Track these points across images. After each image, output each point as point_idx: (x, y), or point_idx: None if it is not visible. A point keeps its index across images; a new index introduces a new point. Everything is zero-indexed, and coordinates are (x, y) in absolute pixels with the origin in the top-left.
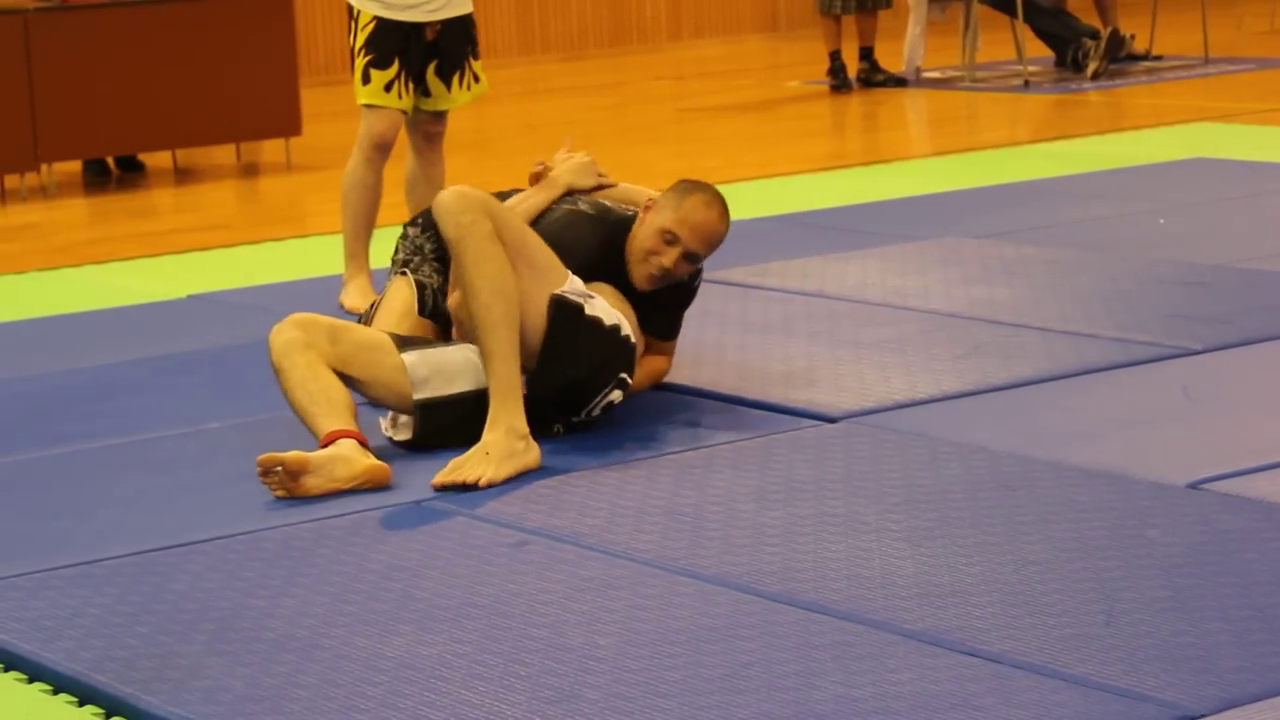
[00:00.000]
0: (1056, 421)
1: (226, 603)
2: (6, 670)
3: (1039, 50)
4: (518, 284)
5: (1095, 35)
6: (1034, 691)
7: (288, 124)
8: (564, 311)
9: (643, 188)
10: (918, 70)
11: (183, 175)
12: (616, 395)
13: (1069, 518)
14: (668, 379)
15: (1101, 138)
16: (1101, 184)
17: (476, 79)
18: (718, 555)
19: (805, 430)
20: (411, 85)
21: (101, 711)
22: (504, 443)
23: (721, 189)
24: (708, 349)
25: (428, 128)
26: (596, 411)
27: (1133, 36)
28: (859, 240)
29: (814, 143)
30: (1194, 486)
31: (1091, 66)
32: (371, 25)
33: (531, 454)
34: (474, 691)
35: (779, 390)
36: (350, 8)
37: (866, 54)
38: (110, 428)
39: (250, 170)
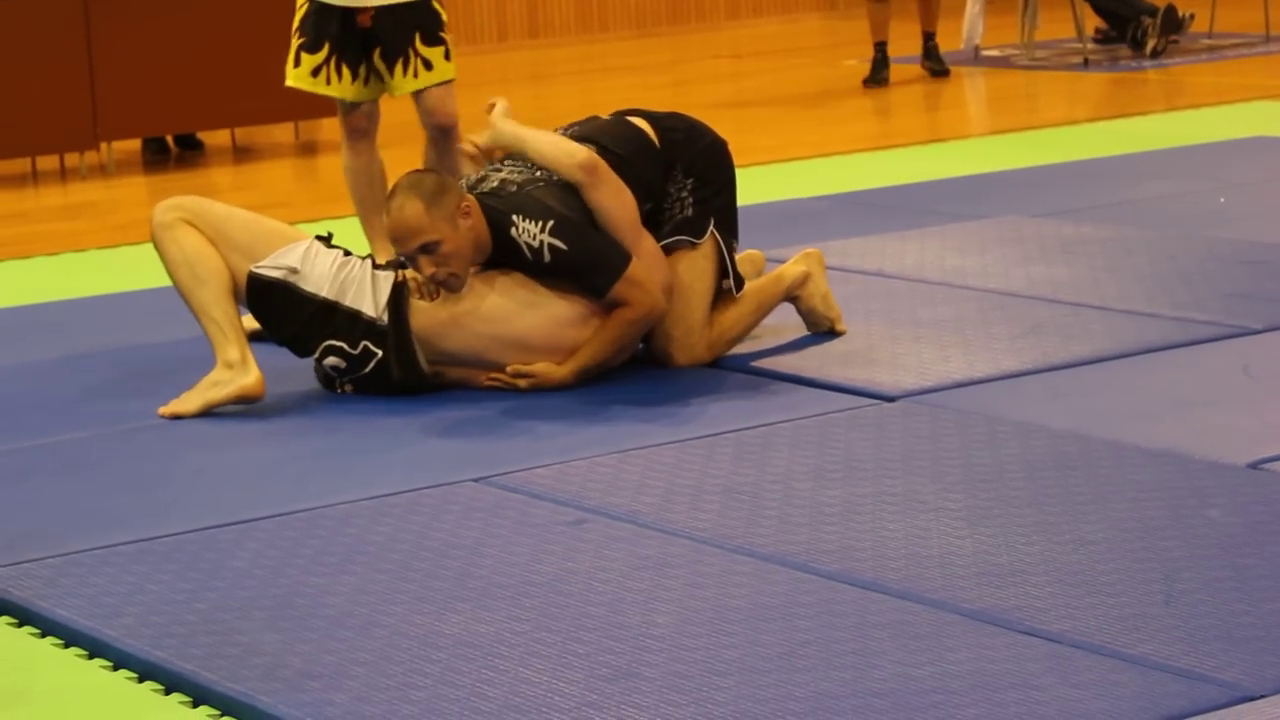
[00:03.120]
0: (1115, 401)
1: (285, 579)
2: (67, 646)
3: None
4: (225, 260)
5: (1155, 13)
6: (1093, 671)
7: None
8: (253, 285)
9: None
10: (976, 48)
11: (241, 154)
12: (334, 360)
13: (1128, 497)
14: (728, 353)
15: (1161, 116)
16: (1161, 163)
17: (429, 66)
18: (775, 534)
19: (863, 409)
20: (348, 72)
21: (161, 687)
22: (210, 377)
23: (779, 168)
24: (766, 328)
25: (429, 119)
26: (327, 365)
27: (1192, 16)
28: (917, 219)
29: (872, 122)
30: (1254, 466)
31: (1150, 44)
32: (305, 7)
33: (238, 382)
34: (531, 669)
35: (837, 369)
36: None
37: (928, 38)
38: None
39: (308, 149)
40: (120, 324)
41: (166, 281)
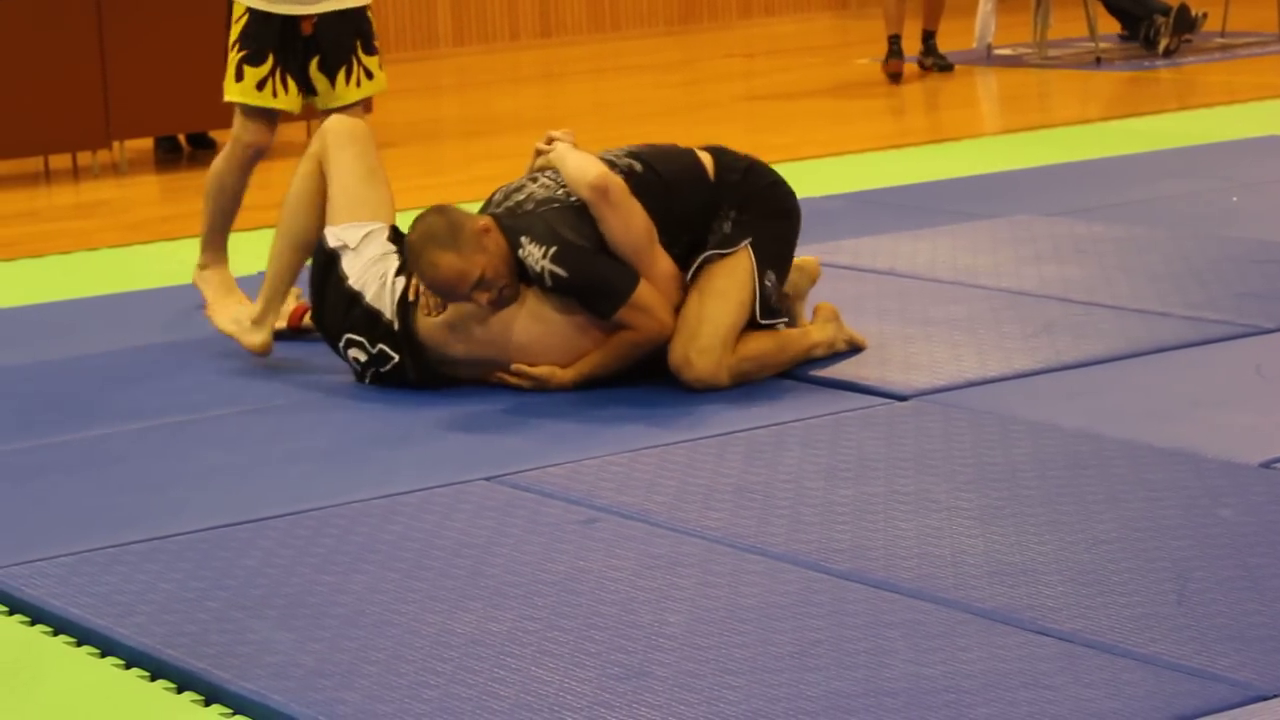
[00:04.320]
0: (1128, 400)
1: (297, 578)
2: (79, 645)
3: (1111, 27)
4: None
5: (1168, 12)
6: (1105, 671)
7: None
8: (317, 248)
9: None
10: (989, 47)
11: None
12: (355, 353)
13: (1140, 496)
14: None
15: (1174, 115)
16: (1174, 162)
17: (370, 75)
18: (787, 533)
19: (876, 408)
20: (291, 82)
21: (173, 686)
22: (238, 314)
23: (792, 167)
24: None
25: None
26: (349, 356)
27: (1205, 15)
28: (929, 218)
29: (884, 121)
30: (1267, 466)
31: (1163, 43)
32: (245, 18)
33: (247, 337)
34: (543, 668)
35: (849, 368)
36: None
37: (928, 37)
38: (182, 404)
39: None
40: (133, 323)
41: (178, 281)
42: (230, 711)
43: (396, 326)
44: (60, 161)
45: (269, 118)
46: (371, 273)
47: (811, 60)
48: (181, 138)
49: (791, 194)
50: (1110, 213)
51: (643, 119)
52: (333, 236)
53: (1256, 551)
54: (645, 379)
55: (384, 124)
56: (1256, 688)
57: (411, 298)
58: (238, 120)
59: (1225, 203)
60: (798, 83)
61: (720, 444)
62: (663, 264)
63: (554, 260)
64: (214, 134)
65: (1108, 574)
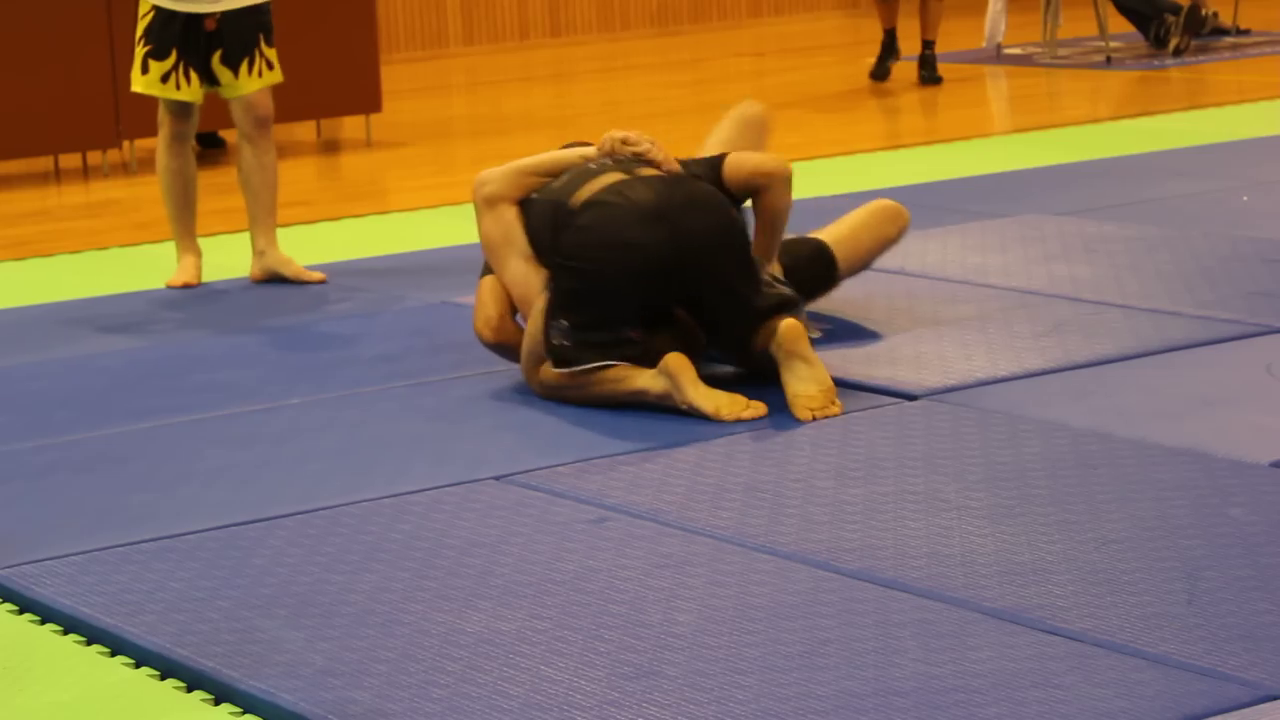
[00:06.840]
0: (1138, 399)
1: (307, 578)
2: (89, 644)
3: (1121, 26)
4: None
5: (1178, 11)
6: (1115, 670)
7: (368, 100)
8: None
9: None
10: (999, 46)
11: None
12: None
13: (1151, 496)
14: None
15: (1184, 114)
16: (1184, 161)
17: (270, 66)
18: (797, 532)
19: (886, 407)
20: (195, 76)
21: (183, 685)
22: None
23: (801, 166)
24: None
25: (249, 114)
26: None
27: (1215, 14)
28: (939, 217)
29: (894, 120)
30: (1277, 465)
31: (1173, 42)
32: (150, 15)
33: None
34: (553, 667)
35: (859, 368)
36: None
37: (926, 47)
38: (192, 403)
39: (330, 147)
40: (142, 322)
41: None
42: (240, 710)
43: None
44: (70, 161)
45: (184, 105)
46: None
47: (821, 60)
48: None
49: (588, 242)
50: (1120, 212)
51: (652, 118)
52: None
53: (1267, 551)
54: None
55: (394, 124)
56: (1267, 687)
57: None
58: (160, 109)
59: (1235, 202)
60: (807, 82)
61: (730, 443)
62: (512, 270)
63: None
64: (223, 133)
65: (1118, 573)
